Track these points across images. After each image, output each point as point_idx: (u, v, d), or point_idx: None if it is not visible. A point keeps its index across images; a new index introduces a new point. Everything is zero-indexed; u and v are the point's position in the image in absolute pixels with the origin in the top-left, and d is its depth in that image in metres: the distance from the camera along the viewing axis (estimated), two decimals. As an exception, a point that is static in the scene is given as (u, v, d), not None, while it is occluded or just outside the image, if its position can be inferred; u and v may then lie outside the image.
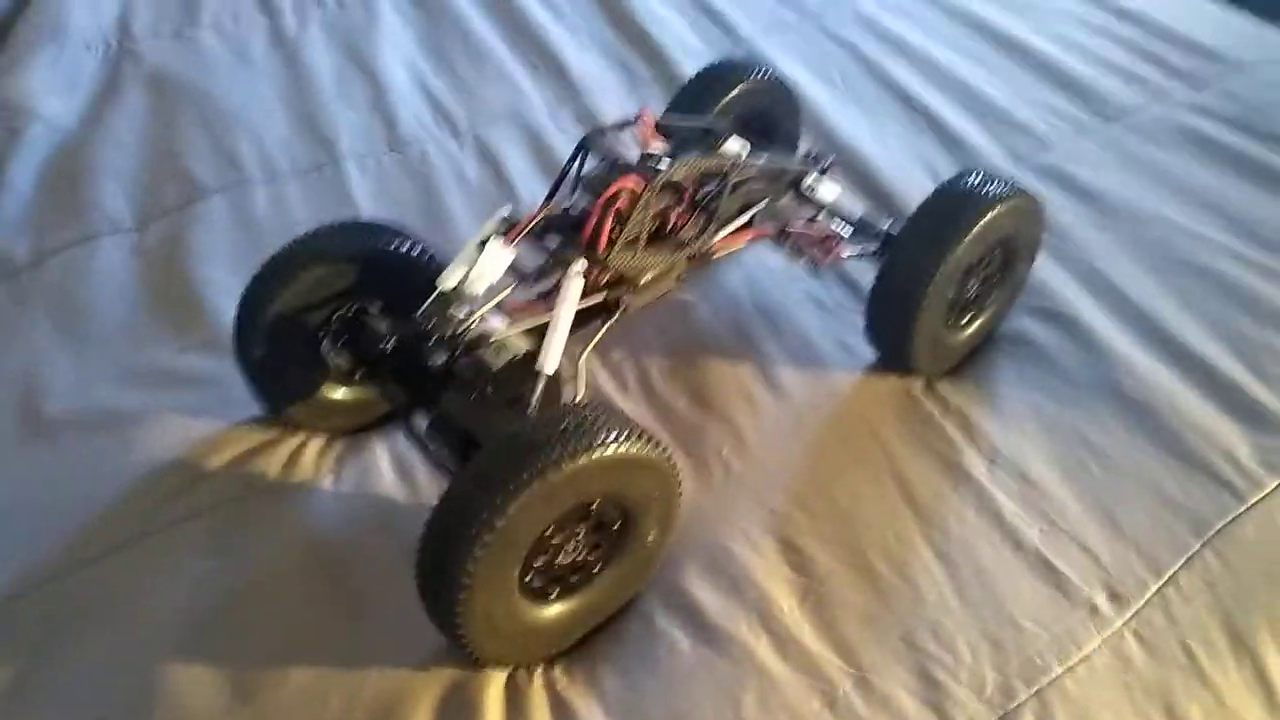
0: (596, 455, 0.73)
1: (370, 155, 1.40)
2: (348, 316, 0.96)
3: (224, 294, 1.14)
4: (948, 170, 1.35)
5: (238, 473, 0.97)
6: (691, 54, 1.60)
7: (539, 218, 0.89)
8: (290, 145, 1.40)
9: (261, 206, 1.31)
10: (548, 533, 0.77)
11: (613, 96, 1.52)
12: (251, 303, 0.93)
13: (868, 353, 1.09)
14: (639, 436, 0.77)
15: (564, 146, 1.41)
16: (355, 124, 1.45)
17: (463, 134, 1.44)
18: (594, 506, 0.79)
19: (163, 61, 1.57)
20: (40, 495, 0.97)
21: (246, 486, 0.96)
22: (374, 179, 1.36)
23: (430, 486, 0.97)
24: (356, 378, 0.99)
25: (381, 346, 0.91)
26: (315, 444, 1.01)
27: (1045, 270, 1.15)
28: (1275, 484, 0.93)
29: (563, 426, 0.74)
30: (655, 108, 1.45)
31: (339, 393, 1.00)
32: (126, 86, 1.51)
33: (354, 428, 1.03)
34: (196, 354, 1.09)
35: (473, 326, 0.90)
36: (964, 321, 1.06)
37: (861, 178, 1.34)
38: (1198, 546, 0.89)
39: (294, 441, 1.01)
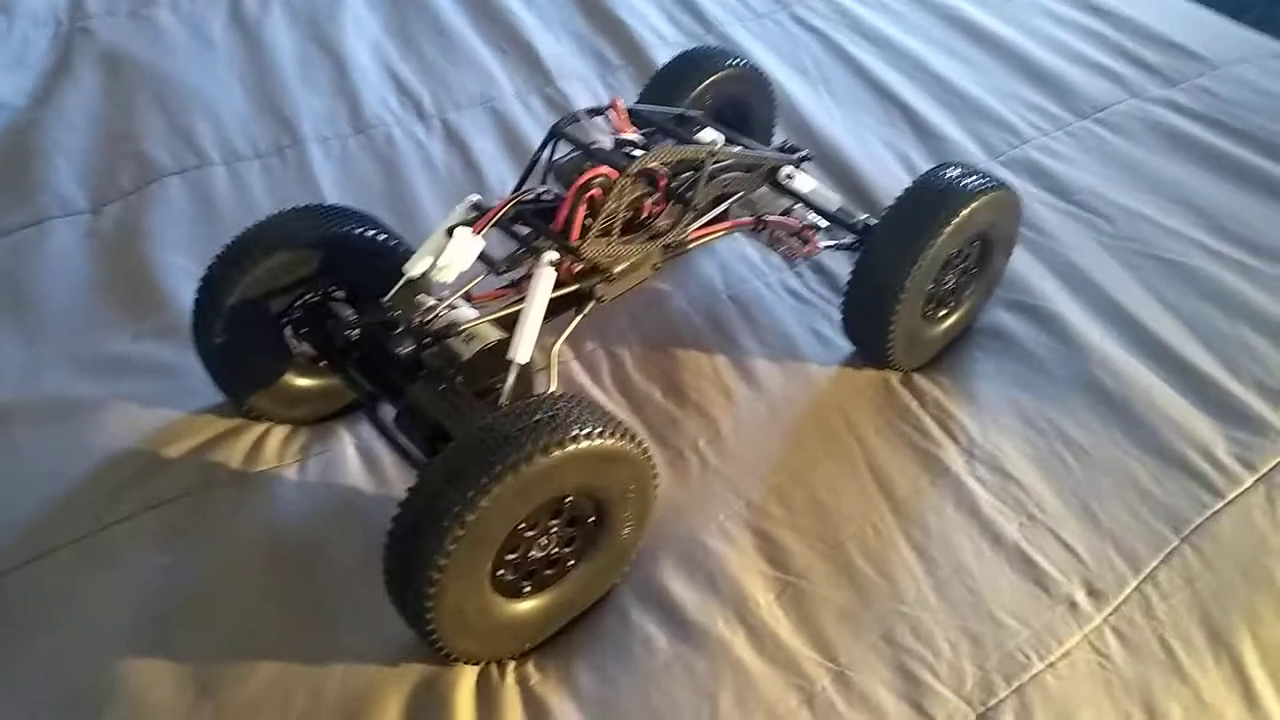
0: (570, 448, 0.71)
1: (334, 138, 1.36)
2: (312, 303, 0.93)
3: (182, 279, 1.11)
4: (921, 161, 1.34)
5: (197, 464, 0.94)
6: (663, 41, 1.58)
7: (509, 205, 0.87)
8: (250, 127, 1.36)
9: (221, 189, 1.27)
10: (520, 527, 0.74)
11: (584, 82, 1.50)
12: (211, 288, 0.90)
13: (844, 343, 1.08)
14: (614, 429, 0.75)
15: (534, 132, 1.38)
16: (318, 106, 1.41)
17: (429, 117, 1.41)
18: (568, 500, 0.77)
19: (117, 39, 1.51)
20: (-12, 487, 0.92)
21: (206, 478, 0.93)
22: (337, 162, 1.32)
23: (398, 476, 0.94)
24: (321, 366, 0.96)
25: (346, 334, 0.88)
26: (278, 433, 0.98)
27: (1021, 263, 1.15)
28: (1252, 480, 0.93)
29: (535, 419, 0.72)
30: (627, 94, 1.44)
31: (303, 381, 0.97)
32: (79, 65, 1.45)
33: (319, 417, 1.00)
34: (153, 341, 1.05)
35: (441, 315, 0.87)
36: (941, 314, 1.05)
37: (835, 168, 1.33)
38: (1176, 542, 0.89)
39: (256, 431, 0.97)
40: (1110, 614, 0.84)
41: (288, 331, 0.94)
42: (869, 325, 1.01)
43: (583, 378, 1.05)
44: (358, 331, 0.88)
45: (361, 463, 0.96)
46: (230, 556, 0.87)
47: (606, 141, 0.95)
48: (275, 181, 1.29)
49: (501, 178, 1.31)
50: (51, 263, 1.15)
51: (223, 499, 0.92)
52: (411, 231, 1.12)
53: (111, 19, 1.57)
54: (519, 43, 1.57)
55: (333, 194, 1.27)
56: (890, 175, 1.32)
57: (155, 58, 1.48)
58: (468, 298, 0.91)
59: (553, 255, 0.85)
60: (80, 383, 1.01)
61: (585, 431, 0.73)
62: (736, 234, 1.06)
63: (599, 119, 0.97)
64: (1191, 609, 0.85)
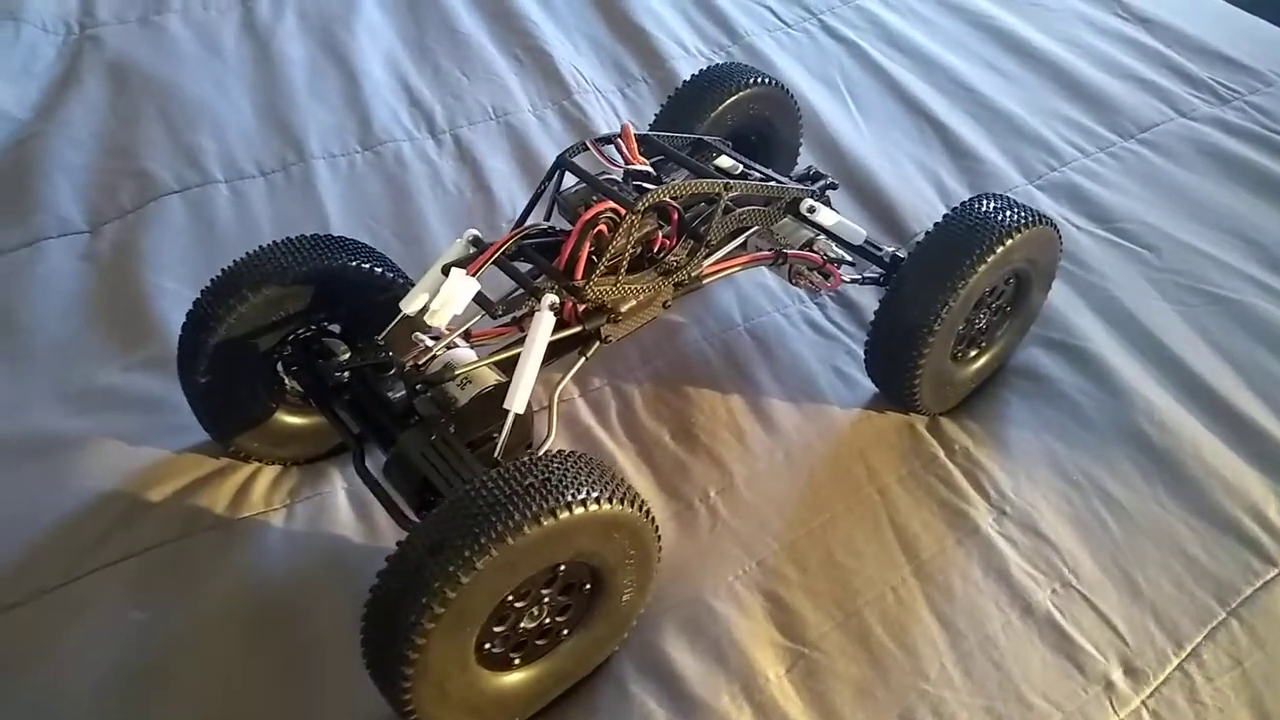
0: (564, 516, 0.66)
1: (342, 155, 1.31)
2: (304, 339, 0.88)
3: (177, 306, 1.05)
4: (954, 184, 1.28)
5: (180, 508, 0.89)
6: (687, 52, 1.52)
7: (508, 243, 0.81)
8: (256, 143, 1.31)
9: (222, 209, 1.22)
10: (509, 598, 0.69)
11: (603, 96, 1.44)
12: (197, 324, 0.85)
13: (868, 382, 1.01)
14: (612, 492, 0.69)
15: (548, 149, 1.33)
16: (327, 121, 1.36)
17: (441, 133, 1.36)
18: (561, 568, 0.71)
19: (126, 49, 1.47)
20: (-39, 528, 0.88)
21: (188, 524, 0.88)
22: (344, 180, 1.27)
23: (390, 526, 0.88)
24: (312, 405, 0.91)
25: (337, 375, 0.83)
26: (267, 475, 0.93)
27: (1058, 297, 1.08)
28: (1308, 547, 0.86)
29: (526, 482, 0.67)
30: (647, 109, 1.38)
31: (293, 419, 0.93)
32: (86, 75, 1.41)
33: (310, 457, 0.95)
34: (143, 372, 1.01)
35: (437, 356, 0.82)
36: (972, 355, 0.99)
37: (863, 189, 1.26)
38: (1223, 615, 0.82)
39: (244, 473, 0.93)
40: (1149, 696, 0.78)
41: (279, 368, 0.89)
42: (894, 366, 0.95)
43: (588, 418, 0.99)
44: (349, 371, 0.83)
45: (352, 509, 0.91)
46: (209, 612, 0.83)
47: (616, 173, 0.90)
48: (279, 201, 1.24)
49: (513, 198, 1.25)
50: (44, 286, 1.11)
51: (205, 547, 0.87)
52: (418, 256, 1.08)
53: (121, 26, 1.52)
54: (536, 52, 1.51)
55: (338, 215, 1.22)
56: (921, 198, 1.25)
57: (163, 68, 1.44)
58: (467, 336, 0.86)
59: (553, 299, 0.80)
60: (66, 417, 0.97)
61: (580, 497, 0.67)
62: (760, 265, 1.00)
63: (608, 147, 0.92)
64: (1240, 692, 0.78)
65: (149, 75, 1.43)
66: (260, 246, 0.86)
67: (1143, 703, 0.77)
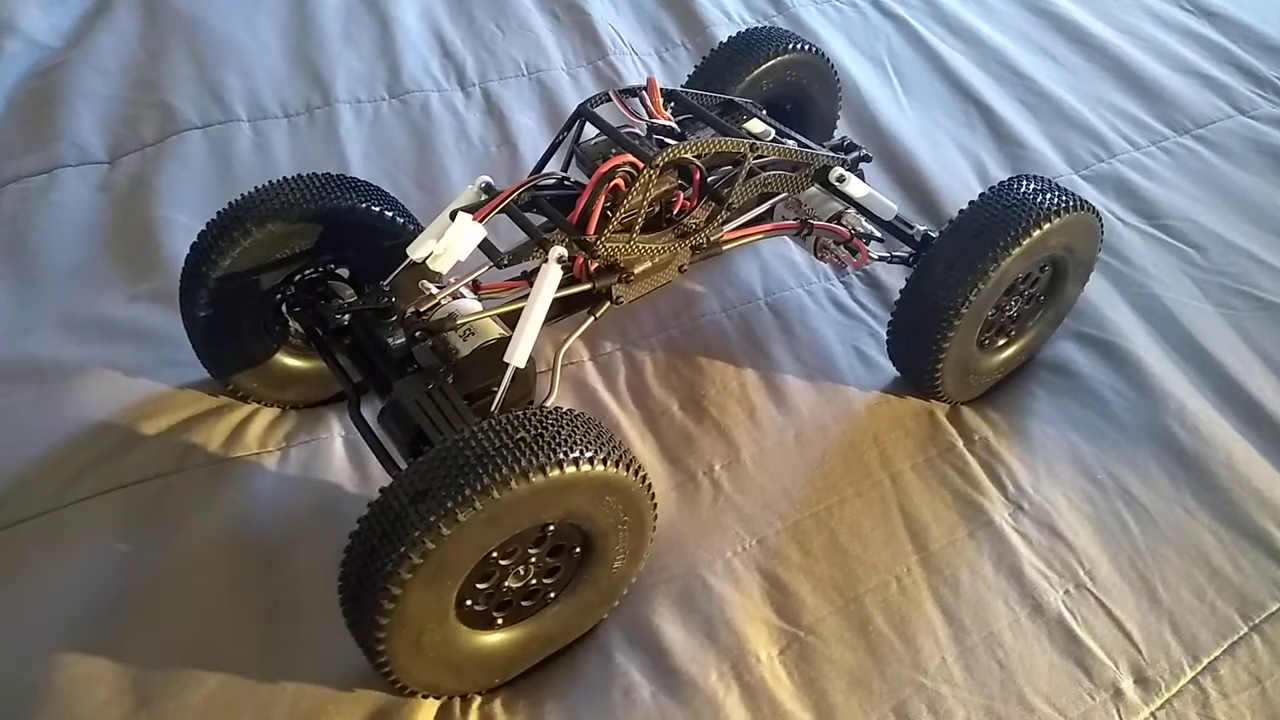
0: (553, 474, 0.63)
1: (368, 101, 1.29)
2: (309, 280, 0.86)
3: (185, 240, 1.01)
4: (997, 169, 1.23)
5: (173, 443, 0.88)
6: (729, 19, 1.48)
7: (520, 190, 0.78)
8: (282, 84, 1.29)
9: (242, 147, 1.20)
10: (493, 555, 0.66)
11: (639, 58, 1.41)
12: (200, 256, 0.83)
13: (889, 366, 0.97)
14: (607, 453, 0.66)
15: (579, 108, 1.30)
16: (356, 66, 1.34)
17: (470, 85, 1.33)
18: (550, 528, 0.68)
19: (160, -19, 1.46)
20: (-46, 449, 0.87)
21: (180, 459, 0.87)
22: (368, 127, 1.25)
23: (384, 475, 0.86)
24: (314, 348, 0.89)
25: (337, 318, 0.80)
26: (264, 417, 0.91)
27: (1096, 291, 1.03)
28: (1340, 565, 0.82)
29: (518, 436, 0.64)
30: (684, 74, 1.34)
31: (295, 361, 0.91)
32: (118, 6, 1.40)
33: (311, 401, 0.93)
34: (147, 305, 1.00)
35: (442, 304, 0.79)
36: (1000, 344, 0.95)
37: (901, 170, 1.22)
38: (1245, 630, 0.78)
39: (241, 413, 0.91)
40: (1159, 708, 0.74)
41: (283, 308, 0.87)
42: (916, 350, 0.91)
43: (596, 382, 0.97)
44: (349, 315, 0.80)
45: (348, 456, 0.89)
46: (193, 549, 0.81)
47: (639, 127, 0.86)
48: (300, 143, 1.22)
49: (538, 154, 1.19)
50: (57, 213, 1.10)
51: (194, 484, 0.85)
52: (438, 206, 1.04)
53: (159, -40, 1.51)
54: (575, 10, 1.48)
55: (358, 160, 1.19)
56: (960, 181, 1.21)
57: (195, 4, 1.42)
58: (475, 287, 0.83)
59: (561, 251, 0.77)
60: (67, 345, 0.96)
61: (573, 455, 0.64)
62: (784, 234, 0.97)
63: (634, 102, 0.88)
64: (1258, 711, 0.74)
65: (180, 10, 1.41)
66: (269, 182, 0.84)
67: (1152, 714, 0.73)
